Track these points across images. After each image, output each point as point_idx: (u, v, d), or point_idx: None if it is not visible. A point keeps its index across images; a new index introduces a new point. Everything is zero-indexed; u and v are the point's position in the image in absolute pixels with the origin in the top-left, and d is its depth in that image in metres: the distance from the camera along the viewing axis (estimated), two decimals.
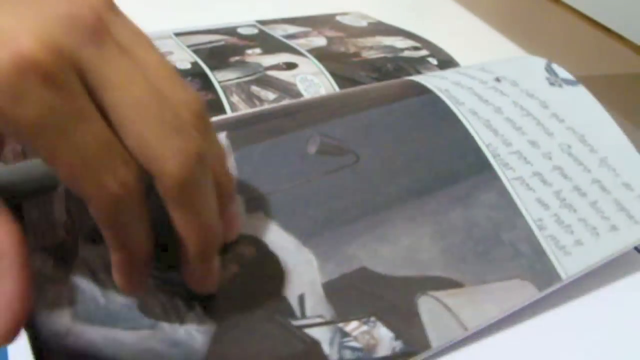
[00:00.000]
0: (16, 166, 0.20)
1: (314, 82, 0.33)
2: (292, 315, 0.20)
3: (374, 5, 0.47)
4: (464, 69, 0.32)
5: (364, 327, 0.21)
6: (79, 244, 0.20)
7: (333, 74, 0.34)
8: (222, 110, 0.30)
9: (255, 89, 0.32)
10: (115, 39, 0.16)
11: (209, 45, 0.36)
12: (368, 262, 0.22)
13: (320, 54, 0.36)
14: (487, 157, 0.26)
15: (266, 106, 0.30)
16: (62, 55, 0.15)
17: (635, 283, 0.26)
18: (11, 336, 0.15)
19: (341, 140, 0.25)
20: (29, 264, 0.15)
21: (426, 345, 0.21)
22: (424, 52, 0.39)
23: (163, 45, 0.35)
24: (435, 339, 0.21)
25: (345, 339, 0.20)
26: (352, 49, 0.38)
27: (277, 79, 0.33)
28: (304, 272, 0.22)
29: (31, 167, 0.20)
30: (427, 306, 0.22)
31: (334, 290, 0.21)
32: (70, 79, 0.15)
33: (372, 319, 0.21)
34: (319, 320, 0.21)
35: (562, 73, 0.30)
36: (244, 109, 0.30)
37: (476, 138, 0.27)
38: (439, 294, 0.22)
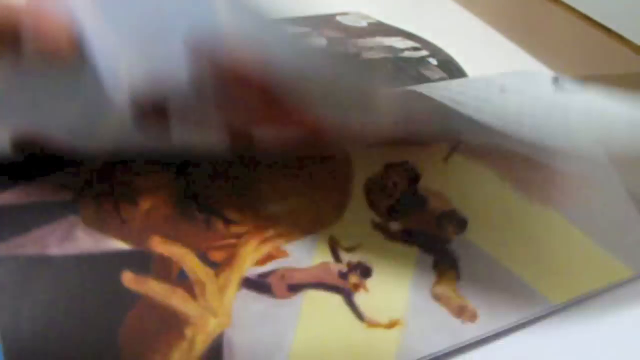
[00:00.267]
0: None
1: None
2: None
3: (374, 5, 0.47)
4: (467, 80, 0.32)
5: None
6: None
7: None
8: None
9: None
10: None
11: None
12: None
13: None
14: None
15: None
16: None
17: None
18: None
19: None
20: None
21: None
22: (424, 52, 0.39)
23: None
24: None
25: None
26: (352, 50, 0.38)
27: None
28: None
29: None
30: None
31: None
32: None
33: None
34: None
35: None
36: None
37: None
38: None
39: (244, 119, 0.20)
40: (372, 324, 0.22)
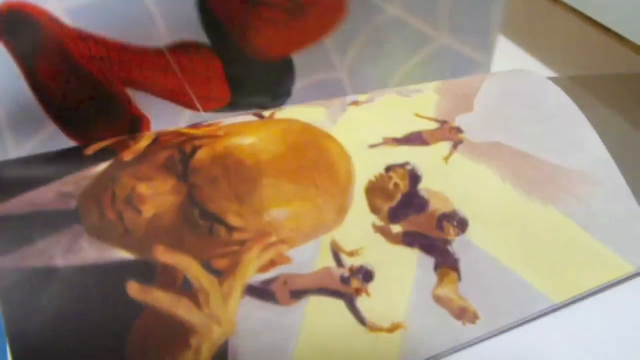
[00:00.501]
0: None
1: None
2: None
3: None
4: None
5: None
6: None
7: None
8: None
9: None
10: None
11: None
12: None
13: None
14: None
15: None
16: None
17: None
18: None
19: None
20: None
21: None
22: None
23: None
24: None
25: None
26: None
27: None
28: None
29: None
30: None
31: None
32: None
33: None
34: None
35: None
36: None
37: None
38: None
39: None
40: (375, 329, 0.22)
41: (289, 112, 0.28)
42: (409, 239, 0.25)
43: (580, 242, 0.26)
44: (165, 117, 0.29)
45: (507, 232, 0.26)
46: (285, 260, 0.23)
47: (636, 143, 0.28)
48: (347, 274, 0.23)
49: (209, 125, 0.26)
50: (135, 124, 0.29)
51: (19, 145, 0.27)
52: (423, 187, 0.26)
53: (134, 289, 0.20)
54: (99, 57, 0.27)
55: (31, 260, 0.20)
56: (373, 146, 0.27)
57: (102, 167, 0.23)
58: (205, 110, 0.30)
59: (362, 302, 0.23)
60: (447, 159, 0.28)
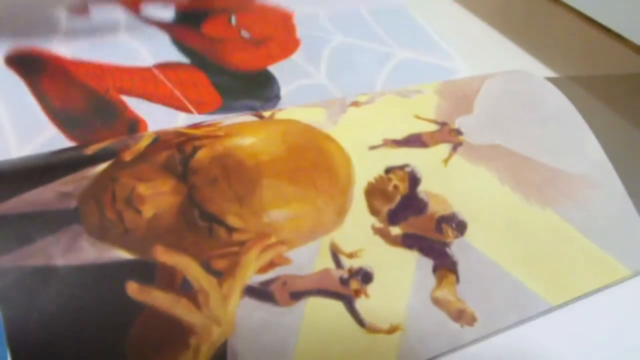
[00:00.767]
0: None
1: None
2: None
3: None
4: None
5: None
6: None
7: None
8: None
9: None
10: None
11: None
12: None
13: None
14: None
15: None
16: None
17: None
18: None
19: None
20: None
21: None
22: None
23: None
24: None
25: None
26: None
27: None
28: None
29: None
30: None
31: None
32: None
33: None
34: None
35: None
36: None
37: None
38: None
39: None
40: (373, 330, 0.22)
41: (288, 113, 0.28)
42: (408, 241, 0.25)
43: (577, 246, 0.27)
44: (161, 120, 0.30)
45: (506, 235, 0.26)
46: (285, 261, 0.23)
47: (636, 143, 0.29)
48: (346, 275, 0.23)
49: (209, 125, 0.26)
50: (133, 127, 0.30)
51: (20, 148, 0.27)
52: (422, 189, 0.27)
53: (133, 288, 0.21)
54: (94, 73, 0.31)
55: (30, 260, 0.20)
56: (373, 147, 0.27)
57: (102, 166, 0.23)
58: (199, 113, 0.32)
59: (360, 304, 0.23)
60: (446, 161, 0.28)
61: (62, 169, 0.22)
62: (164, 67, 0.33)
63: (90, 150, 0.24)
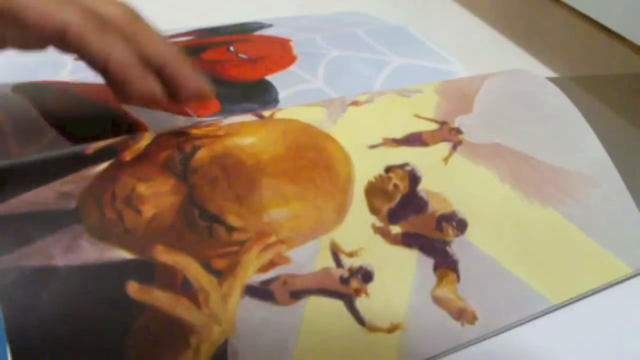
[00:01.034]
0: None
1: None
2: None
3: (374, 5, 0.47)
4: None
5: None
6: None
7: None
8: None
9: None
10: None
11: None
12: None
13: None
14: None
15: None
16: None
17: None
18: None
19: None
20: None
21: None
22: None
23: None
24: None
25: None
26: None
27: None
28: None
29: None
30: None
31: None
32: None
33: None
34: None
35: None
36: None
37: None
38: None
39: None
40: (374, 329, 0.22)
41: (289, 112, 0.28)
42: (408, 240, 0.25)
43: (578, 244, 0.27)
44: (161, 124, 0.31)
45: (506, 233, 0.26)
46: (285, 260, 0.23)
47: (636, 143, 0.29)
48: (346, 274, 0.23)
49: (209, 125, 0.26)
50: (133, 130, 0.30)
51: (21, 150, 0.28)
52: (422, 187, 0.27)
53: (133, 288, 0.21)
54: (97, 90, 0.32)
55: (31, 260, 0.20)
56: (373, 146, 0.27)
57: (102, 166, 0.23)
58: (198, 117, 0.32)
59: (361, 303, 0.23)
60: (446, 159, 0.28)
61: (62, 169, 0.23)
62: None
63: (91, 149, 0.24)
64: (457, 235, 0.26)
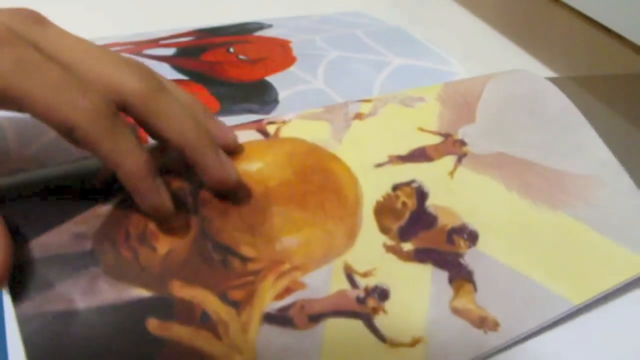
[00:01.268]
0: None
1: None
2: None
3: (374, 5, 0.49)
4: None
5: None
6: None
7: None
8: None
9: None
10: (50, 23, 0.23)
11: None
12: None
13: None
14: None
15: None
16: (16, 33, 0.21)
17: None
18: None
19: None
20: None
21: None
22: None
23: None
24: None
25: None
26: None
27: None
28: None
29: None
30: None
31: None
32: (23, 43, 0.21)
33: None
34: None
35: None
36: None
37: None
38: None
39: None
40: (395, 344, 0.23)
41: (293, 128, 0.29)
42: (421, 255, 0.26)
43: (593, 244, 0.27)
44: None
45: (518, 240, 0.27)
46: (300, 285, 0.24)
47: (636, 143, 0.29)
48: (362, 294, 0.24)
49: None
50: (132, 130, 0.30)
51: (22, 150, 0.29)
52: (430, 203, 0.27)
53: (153, 325, 0.21)
54: None
55: (52, 304, 0.21)
56: (379, 165, 0.28)
57: (113, 202, 0.24)
58: None
59: (379, 320, 0.23)
60: (452, 173, 0.29)
61: (73, 206, 0.23)
62: None
63: (100, 180, 0.24)
64: (469, 247, 0.26)
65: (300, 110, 0.31)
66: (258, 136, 0.28)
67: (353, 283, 0.24)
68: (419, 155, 0.29)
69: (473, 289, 0.25)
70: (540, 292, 0.25)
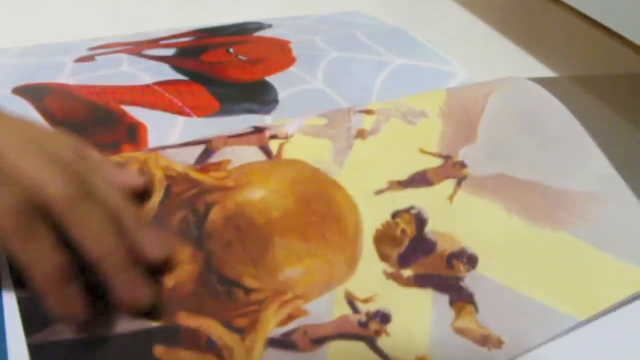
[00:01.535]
0: None
1: None
2: None
3: (374, 6, 0.50)
4: None
5: None
6: None
7: None
8: None
9: None
10: None
11: None
12: None
13: None
14: None
15: None
16: None
17: None
18: None
19: None
20: None
21: None
22: None
23: None
24: None
25: None
26: None
27: None
28: None
29: None
30: None
31: None
32: None
33: None
34: None
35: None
36: None
37: None
38: None
39: None
40: None
41: (295, 147, 0.31)
42: (421, 281, 0.26)
43: (595, 261, 0.28)
44: (160, 124, 0.33)
45: (519, 262, 0.27)
46: (303, 313, 0.25)
47: (636, 143, 0.30)
48: (364, 318, 0.25)
49: (218, 168, 0.29)
50: (132, 130, 0.32)
51: None
52: (429, 229, 0.28)
53: (160, 351, 0.22)
54: (96, 92, 0.35)
55: (61, 335, 0.22)
56: (379, 192, 0.29)
57: None
58: (198, 116, 0.34)
59: (383, 342, 0.24)
60: (451, 198, 0.30)
61: None
62: (163, 83, 0.37)
63: None
64: (468, 271, 0.27)
65: (301, 111, 0.32)
66: (261, 155, 0.30)
67: (355, 309, 0.25)
68: (420, 180, 0.30)
69: (474, 310, 0.25)
70: (542, 310, 0.26)
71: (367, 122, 0.33)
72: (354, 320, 0.25)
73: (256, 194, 0.28)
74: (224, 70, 0.39)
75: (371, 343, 0.24)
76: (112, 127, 0.33)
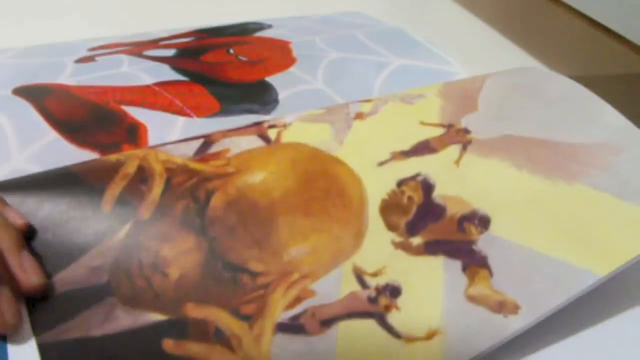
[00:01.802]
0: None
1: None
2: None
3: (374, 6, 0.50)
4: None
5: None
6: None
7: None
8: None
9: None
10: None
11: None
12: None
13: None
14: None
15: None
16: None
17: None
18: None
19: None
20: None
21: None
22: None
23: None
24: None
25: None
26: None
27: None
28: None
29: None
30: None
31: None
32: None
33: None
34: None
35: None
36: None
37: None
38: None
39: None
40: (411, 339, 0.23)
41: (294, 131, 0.30)
42: (431, 248, 0.26)
43: (615, 210, 0.26)
44: (160, 124, 0.33)
45: (534, 218, 0.26)
46: (310, 293, 0.25)
47: None
48: (373, 293, 0.24)
49: (217, 157, 0.29)
50: (132, 130, 0.33)
51: (22, 150, 0.31)
52: (437, 194, 0.28)
53: (168, 345, 0.23)
54: (96, 92, 0.35)
55: (70, 334, 0.23)
56: (382, 163, 0.29)
57: (124, 230, 0.26)
58: (198, 117, 0.35)
59: (393, 317, 0.24)
60: (457, 161, 0.29)
61: (87, 239, 0.25)
62: (162, 84, 0.37)
63: (108, 206, 0.26)
64: (481, 233, 0.26)
65: (301, 111, 0.32)
66: (260, 142, 0.30)
67: (363, 284, 0.25)
68: (423, 148, 0.29)
69: (488, 274, 0.25)
70: (561, 268, 0.25)
71: (365, 107, 0.32)
72: (363, 296, 0.24)
73: (256, 177, 0.28)
74: (224, 70, 0.39)
75: (381, 320, 0.24)
76: (112, 127, 0.33)
